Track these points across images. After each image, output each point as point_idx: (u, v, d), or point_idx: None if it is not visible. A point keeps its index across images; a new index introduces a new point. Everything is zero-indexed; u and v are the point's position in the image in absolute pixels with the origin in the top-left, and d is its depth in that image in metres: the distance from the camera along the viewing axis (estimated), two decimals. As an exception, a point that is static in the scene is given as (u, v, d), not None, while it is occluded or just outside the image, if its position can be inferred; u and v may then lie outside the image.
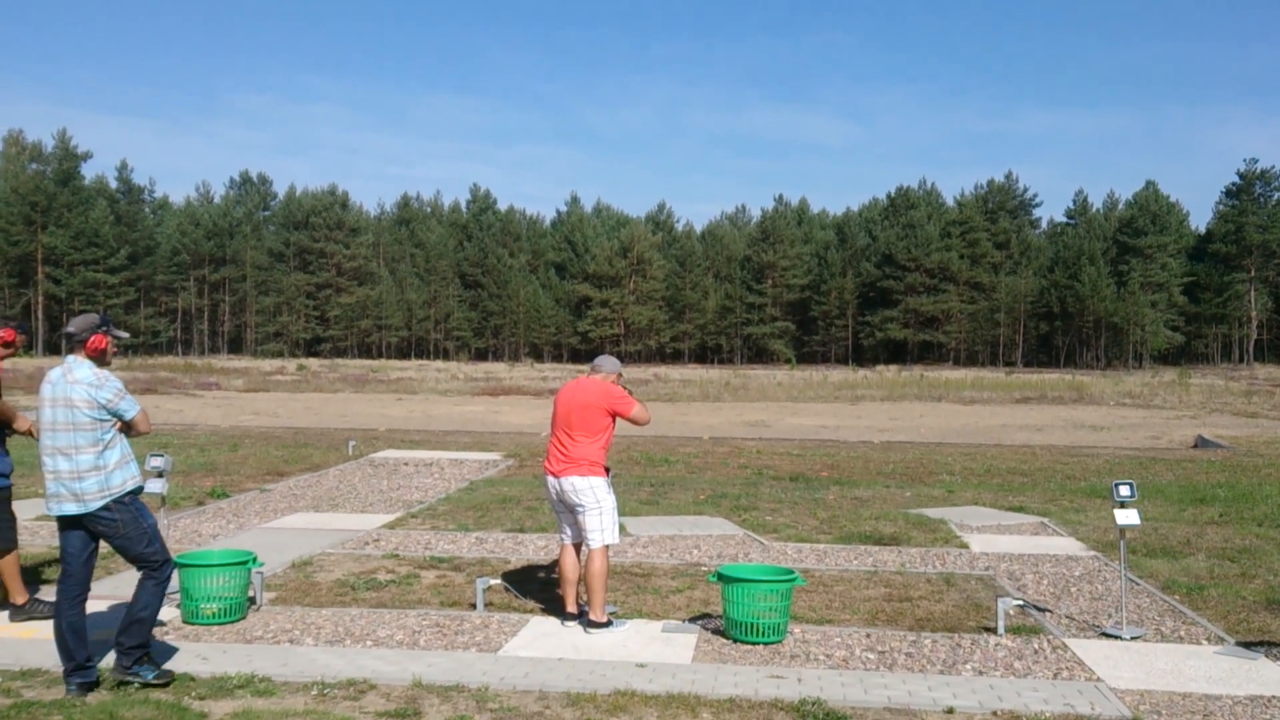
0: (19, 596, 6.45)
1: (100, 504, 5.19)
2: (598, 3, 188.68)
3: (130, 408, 5.28)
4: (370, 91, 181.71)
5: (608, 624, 6.31)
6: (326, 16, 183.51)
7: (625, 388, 6.64)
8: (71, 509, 5.19)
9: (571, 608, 6.50)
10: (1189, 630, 6.51)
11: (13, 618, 6.39)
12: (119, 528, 5.23)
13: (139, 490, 5.40)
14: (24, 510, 8.31)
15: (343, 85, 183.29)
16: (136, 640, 5.21)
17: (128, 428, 5.33)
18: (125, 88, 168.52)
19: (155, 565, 5.31)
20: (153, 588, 5.31)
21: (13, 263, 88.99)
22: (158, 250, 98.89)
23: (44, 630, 6.04)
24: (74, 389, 5.19)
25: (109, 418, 5.23)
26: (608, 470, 6.50)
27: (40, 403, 5.29)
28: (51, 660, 5.34)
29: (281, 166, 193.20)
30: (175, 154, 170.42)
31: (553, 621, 6.50)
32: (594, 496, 6.36)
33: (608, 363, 6.77)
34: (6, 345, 6.75)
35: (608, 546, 6.40)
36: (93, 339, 5.30)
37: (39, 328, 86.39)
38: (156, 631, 6.09)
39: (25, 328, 7.16)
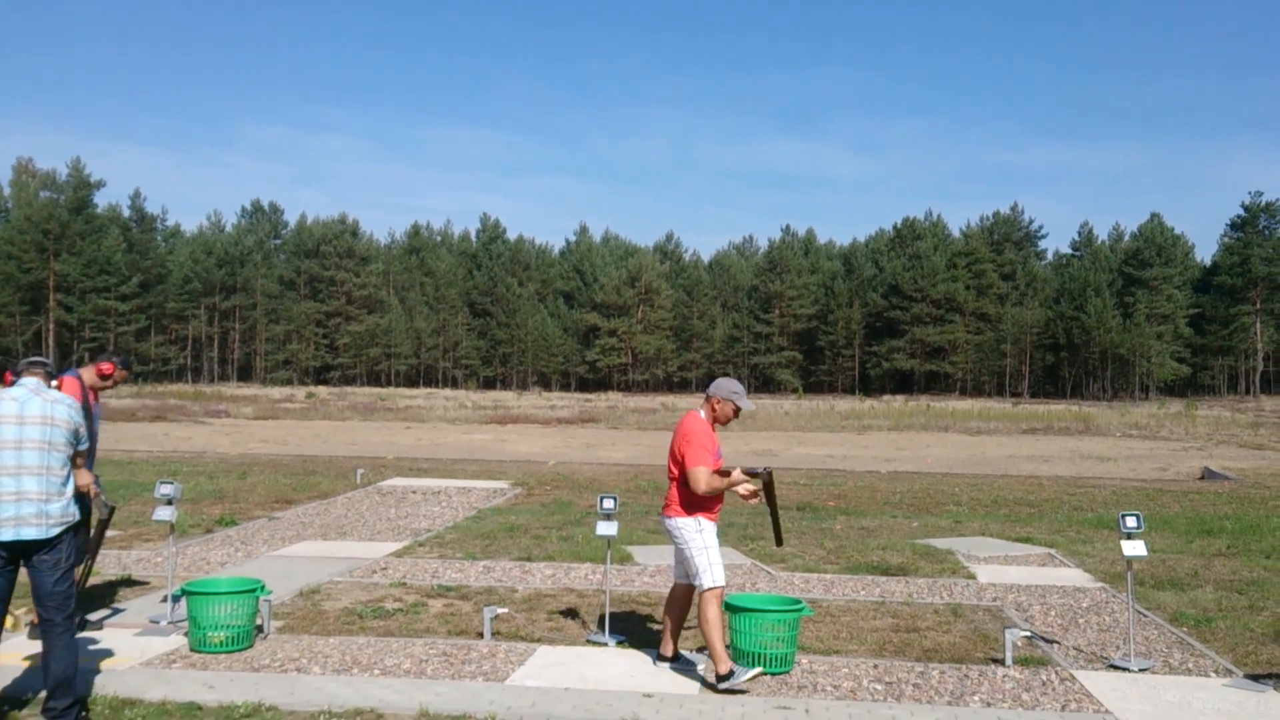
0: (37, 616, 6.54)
1: (59, 530, 4.98)
2: (609, 35, 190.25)
3: (85, 438, 5.29)
4: (382, 122, 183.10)
5: (730, 674, 5.68)
6: (339, 48, 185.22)
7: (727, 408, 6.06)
8: (32, 534, 4.88)
9: (666, 650, 6.24)
10: (1197, 662, 6.49)
11: (30, 635, 6.49)
12: (64, 559, 5.00)
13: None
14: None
15: (355, 116, 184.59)
16: (71, 698, 4.91)
17: (76, 457, 5.26)
18: (139, 117, 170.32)
19: (69, 609, 4.99)
20: (68, 641, 4.96)
21: (24, 290, 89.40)
22: (169, 278, 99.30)
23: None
24: (56, 408, 5.07)
25: (76, 443, 5.17)
26: (693, 511, 5.96)
27: (2, 420, 4.98)
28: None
29: (294, 196, 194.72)
30: (188, 183, 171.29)
31: (560, 650, 6.48)
32: (683, 538, 5.97)
33: (715, 385, 6.18)
34: (105, 378, 6.91)
35: (717, 589, 5.87)
36: (66, 380, 5.44)
37: (50, 355, 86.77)
38: (164, 660, 6.13)
39: (128, 363, 7.19)
